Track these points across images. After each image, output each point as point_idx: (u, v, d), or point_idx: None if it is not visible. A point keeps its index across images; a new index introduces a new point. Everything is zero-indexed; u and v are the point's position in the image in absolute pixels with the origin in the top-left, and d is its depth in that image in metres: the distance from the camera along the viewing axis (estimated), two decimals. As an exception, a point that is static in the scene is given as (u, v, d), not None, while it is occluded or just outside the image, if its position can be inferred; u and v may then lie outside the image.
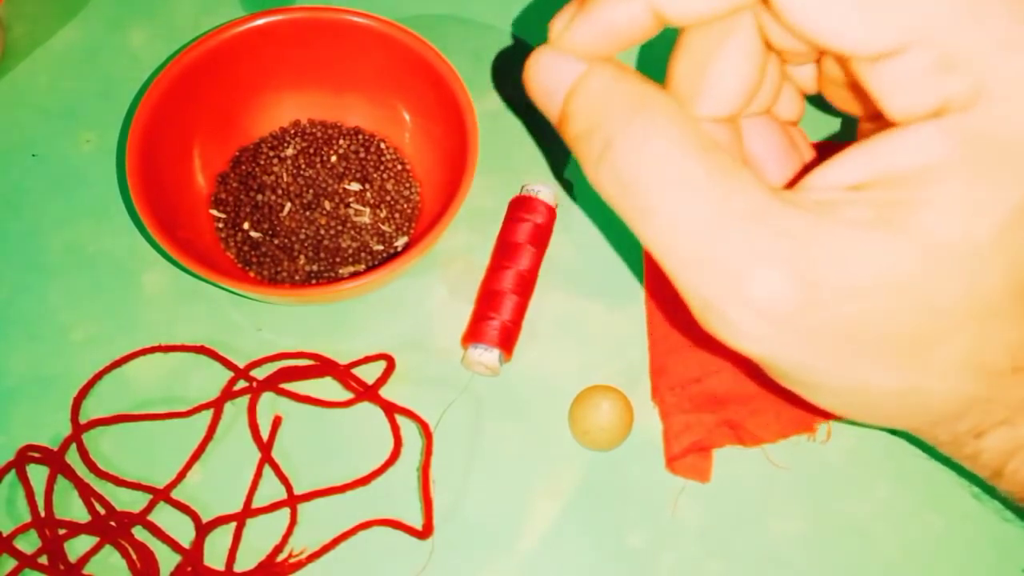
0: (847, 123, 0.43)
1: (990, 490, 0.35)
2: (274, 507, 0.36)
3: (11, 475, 0.36)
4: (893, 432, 0.36)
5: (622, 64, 0.25)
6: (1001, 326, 0.23)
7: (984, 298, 0.22)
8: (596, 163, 0.23)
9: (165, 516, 0.35)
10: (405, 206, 0.41)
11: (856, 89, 0.26)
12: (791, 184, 0.25)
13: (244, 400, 0.37)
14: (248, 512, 0.35)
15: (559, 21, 0.24)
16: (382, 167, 0.41)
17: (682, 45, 0.25)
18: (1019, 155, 0.21)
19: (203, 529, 0.35)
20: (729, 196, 0.22)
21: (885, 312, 0.22)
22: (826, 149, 0.40)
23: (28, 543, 0.35)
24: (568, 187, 0.42)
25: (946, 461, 0.37)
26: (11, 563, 0.34)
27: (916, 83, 0.21)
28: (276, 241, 0.39)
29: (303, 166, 0.41)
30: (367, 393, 0.37)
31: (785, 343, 0.23)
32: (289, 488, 0.36)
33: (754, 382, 0.37)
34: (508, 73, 0.44)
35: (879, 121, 0.24)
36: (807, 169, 0.29)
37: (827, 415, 0.37)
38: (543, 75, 0.25)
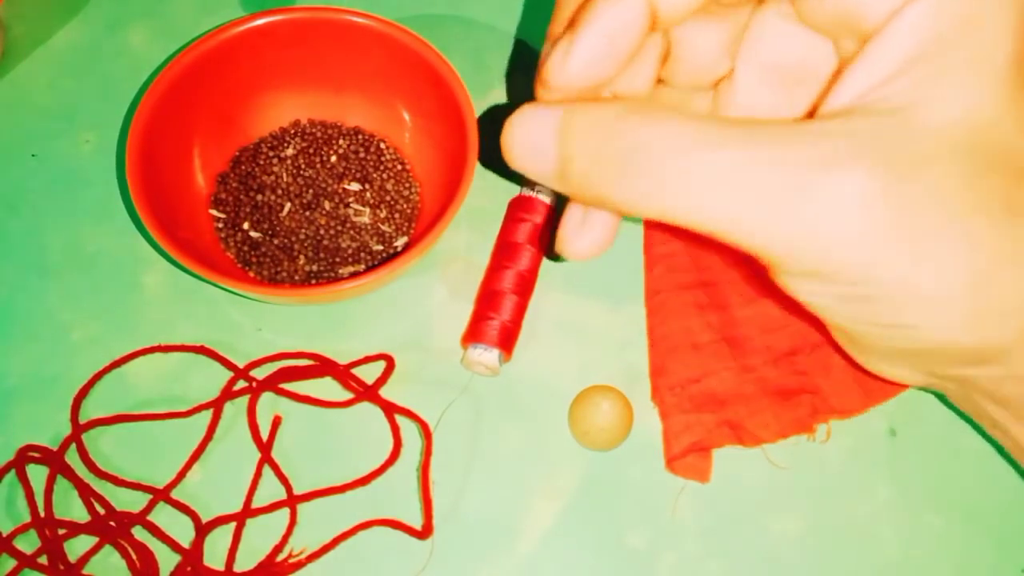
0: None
1: (983, 509, 0.35)
2: (274, 507, 0.36)
3: (11, 475, 0.36)
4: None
5: (598, 95, 0.24)
6: None
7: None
8: (620, 176, 0.23)
9: (165, 516, 0.35)
10: (405, 206, 0.41)
11: None
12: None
13: (244, 400, 0.37)
14: (248, 512, 0.35)
15: (555, 56, 0.24)
16: (382, 167, 0.41)
17: None
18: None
19: (203, 529, 0.35)
20: (784, 155, 0.21)
21: (960, 167, 0.22)
22: None
23: (28, 543, 0.35)
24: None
25: (946, 462, 0.37)
26: (11, 563, 0.34)
27: None
28: (276, 241, 0.39)
29: (303, 166, 0.41)
30: (367, 393, 0.37)
31: (876, 235, 0.22)
32: (289, 488, 0.36)
33: (748, 386, 0.37)
34: (508, 73, 0.44)
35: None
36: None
37: (825, 414, 0.37)
38: (525, 134, 0.24)
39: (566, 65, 0.23)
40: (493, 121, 0.43)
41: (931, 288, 0.22)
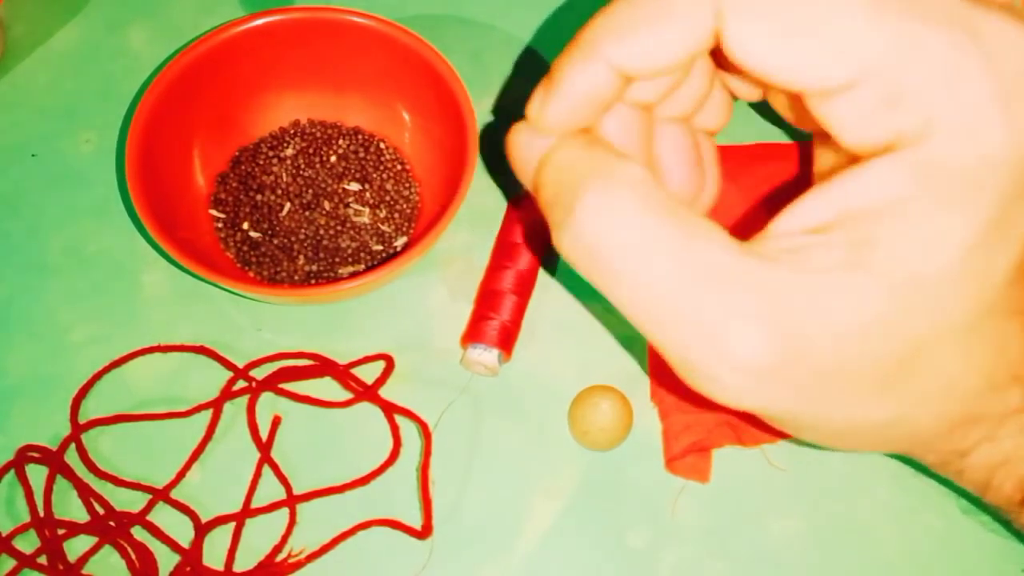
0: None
1: (978, 503, 0.35)
2: (273, 507, 0.36)
3: (10, 475, 0.36)
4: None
5: (593, 135, 0.25)
6: (976, 348, 0.23)
7: (957, 322, 0.23)
8: (560, 231, 0.24)
9: (164, 516, 0.35)
10: (405, 206, 0.41)
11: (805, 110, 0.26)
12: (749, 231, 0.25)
13: (243, 400, 0.37)
14: (247, 512, 0.35)
15: (533, 104, 0.25)
16: (382, 167, 0.41)
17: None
18: (973, 183, 0.21)
19: (202, 529, 0.35)
20: (695, 254, 0.22)
21: (864, 352, 0.22)
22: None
23: (27, 543, 0.35)
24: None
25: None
26: (10, 563, 0.34)
27: (867, 118, 0.22)
28: (276, 241, 0.39)
29: (303, 166, 0.41)
30: (366, 393, 0.37)
31: (771, 394, 0.23)
32: (288, 488, 0.36)
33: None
34: (508, 73, 0.44)
35: (831, 141, 0.24)
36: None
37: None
38: (519, 150, 0.26)
39: (542, 116, 0.25)
40: (493, 121, 0.43)
41: None
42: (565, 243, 0.24)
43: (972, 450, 0.26)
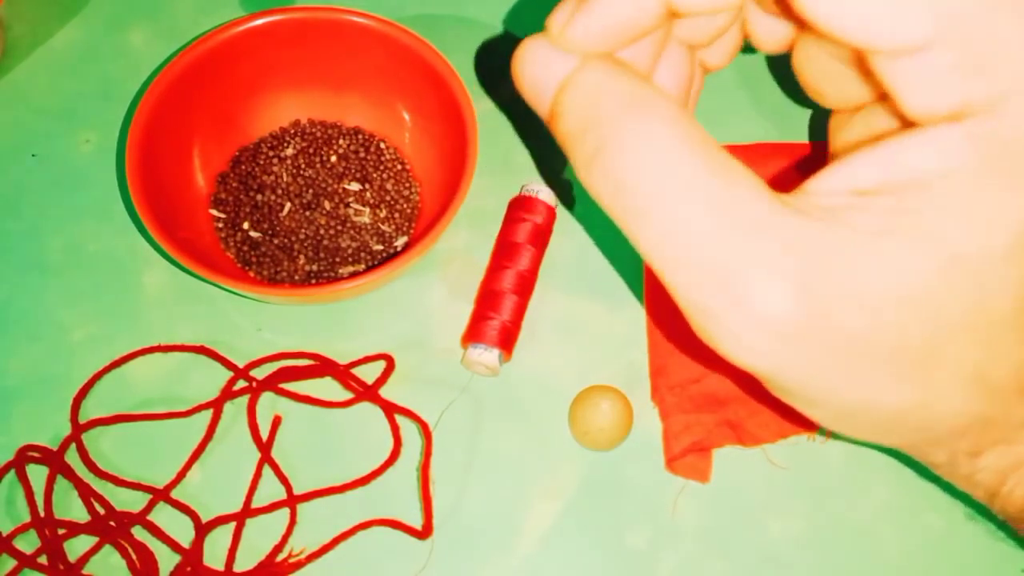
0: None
1: (982, 510, 0.35)
2: (274, 507, 0.36)
3: (11, 475, 0.36)
4: (881, 449, 0.36)
5: (619, 59, 0.23)
6: (1010, 343, 0.22)
7: (995, 312, 0.21)
8: (588, 163, 0.22)
9: (165, 516, 0.35)
10: (405, 206, 0.41)
11: (838, 70, 0.24)
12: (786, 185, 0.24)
13: (244, 400, 0.37)
14: (248, 512, 0.35)
15: (558, 15, 0.23)
16: (382, 167, 0.41)
17: None
18: None
19: (203, 529, 0.35)
20: (733, 201, 0.21)
21: (894, 326, 0.21)
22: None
23: (28, 543, 0.35)
24: (568, 187, 0.42)
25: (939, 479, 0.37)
26: (11, 563, 0.34)
27: (938, 83, 0.20)
28: (276, 241, 0.39)
29: (303, 166, 0.41)
30: (367, 393, 0.37)
31: (789, 358, 0.22)
32: (289, 488, 0.36)
33: (743, 389, 0.37)
34: (508, 73, 0.44)
35: (857, 111, 0.22)
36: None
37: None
38: (533, 68, 0.23)
39: (569, 30, 0.23)
40: (493, 121, 0.43)
41: None
42: (594, 176, 0.22)
43: (986, 452, 0.25)
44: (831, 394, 0.23)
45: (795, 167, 0.41)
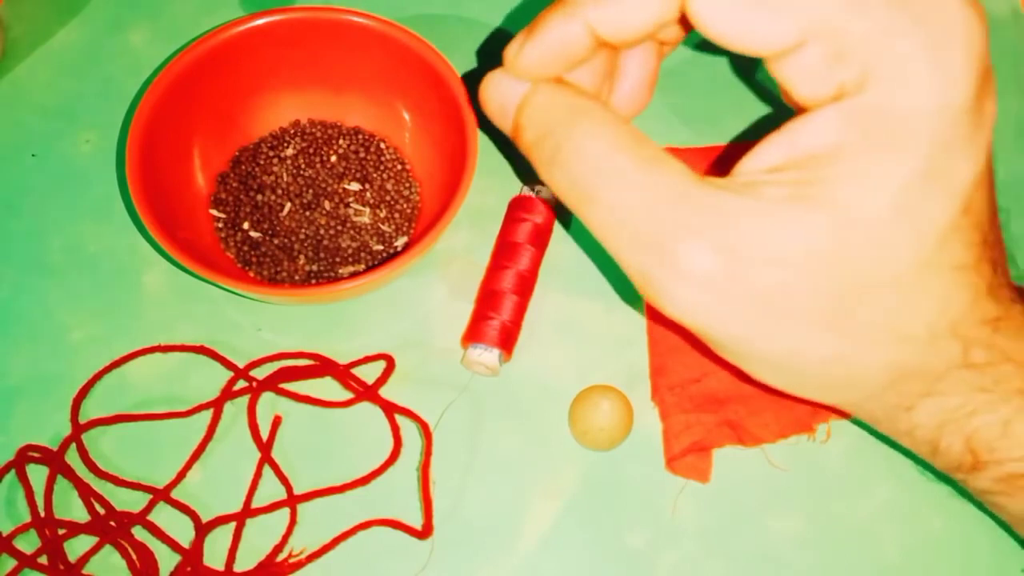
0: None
1: (982, 510, 0.35)
2: (274, 507, 0.36)
3: (11, 475, 0.36)
4: (881, 443, 0.36)
5: (566, 80, 0.28)
6: (917, 296, 0.25)
7: (895, 267, 0.24)
8: (548, 165, 0.27)
9: (165, 516, 0.35)
10: (405, 206, 0.41)
11: None
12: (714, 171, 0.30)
13: (244, 400, 0.37)
14: (248, 512, 0.35)
15: (512, 47, 0.28)
16: (382, 167, 0.41)
17: None
18: (906, 130, 0.23)
19: (203, 529, 0.35)
20: (658, 182, 0.25)
21: (805, 280, 0.24)
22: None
23: (28, 543, 0.35)
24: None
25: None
26: (11, 563, 0.34)
27: (815, 73, 0.24)
28: (276, 241, 0.39)
29: (303, 166, 0.41)
30: (367, 393, 0.37)
31: (717, 313, 0.25)
32: (289, 488, 0.36)
33: (744, 386, 0.37)
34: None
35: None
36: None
37: (824, 413, 0.37)
38: (496, 95, 0.29)
39: (519, 58, 0.28)
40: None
41: None
42: (554, 176, 0.27)
43: (917, 406, 0.27)
44: (758, 345, 0.26)
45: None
